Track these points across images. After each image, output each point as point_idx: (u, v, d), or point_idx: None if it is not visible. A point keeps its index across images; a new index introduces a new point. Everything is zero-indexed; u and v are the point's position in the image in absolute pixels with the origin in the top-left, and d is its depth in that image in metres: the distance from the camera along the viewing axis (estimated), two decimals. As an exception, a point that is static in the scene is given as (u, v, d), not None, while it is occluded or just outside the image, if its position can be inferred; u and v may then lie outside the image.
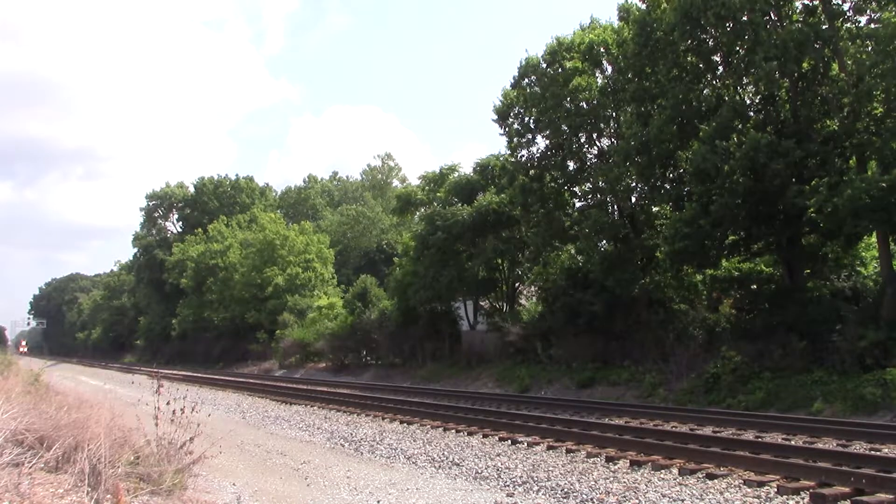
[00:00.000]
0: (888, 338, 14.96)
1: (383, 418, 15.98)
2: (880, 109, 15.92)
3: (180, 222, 74.34)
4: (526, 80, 24.69)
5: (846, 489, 7.59)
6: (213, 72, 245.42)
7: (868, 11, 16.52)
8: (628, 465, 9.69)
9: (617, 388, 20.07)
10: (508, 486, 8.92)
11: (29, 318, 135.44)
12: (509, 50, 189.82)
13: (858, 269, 19.05)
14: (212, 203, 69.63)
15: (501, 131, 25.54)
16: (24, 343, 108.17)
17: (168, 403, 8.13)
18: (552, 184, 24.36)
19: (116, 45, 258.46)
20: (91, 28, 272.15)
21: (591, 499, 8.06)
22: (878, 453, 9.74)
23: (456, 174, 34.16)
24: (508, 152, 26.61)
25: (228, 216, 64.47)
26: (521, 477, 9.26)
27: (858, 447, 10.50)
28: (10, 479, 5.50)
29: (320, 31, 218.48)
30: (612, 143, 23.27)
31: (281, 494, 8.68)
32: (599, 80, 23.21)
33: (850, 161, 16.72)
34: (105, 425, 7.54)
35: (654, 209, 22.92)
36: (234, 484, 9.13)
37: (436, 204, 32.02)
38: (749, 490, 8.01)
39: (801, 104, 17.20)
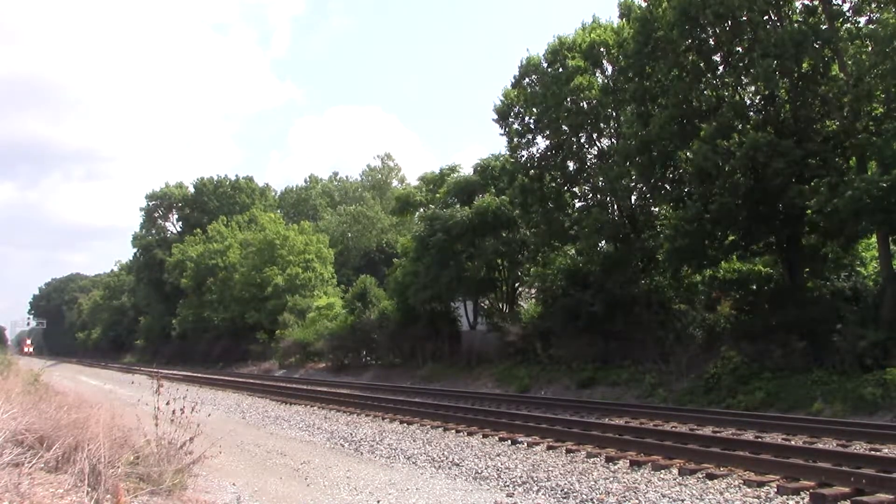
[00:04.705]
0: (888, 338, 14.96)
1: (383, 418, 15.97)
2: (880, 109, 15.92)
3: (180, 222, 74.35)
4: (527, 79, 24.71)
5: (846, 489, 7.59)
6: (218, 74, 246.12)
7: (867, 12, 16.52)
8: (628, 465, 9.68)
9: (617, 388, 20.06)
10: (508, 486, 8.91)
11: (29, 318, 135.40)
12: (509, 51, 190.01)
13: (858, 269, 19.03)
14: (211, 203, 69.64)
15: (502, 131, 25.58)
16: (28, 342, 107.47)
17: (168, 403, 8.12)
18: (552, 184, 24.37)
19: (123, 48, 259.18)
20: (97, 31, 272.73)
21: (591, 499, 8.05)
22: (878, 453, 9.74)
23: (456, 175, 34.21)
24: (509, 152, 26.61)
25: (228, 216, 64.45)
26: (520, 477, 9.26)
27: (858, 447, 10.49)
28: (10, 479, 5.50)
29: (324, 33, 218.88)
30: (613, 142, 23.28)
31: (281, 494, 8.68)
32: (600, 80, 23.21)
33: (850, 161, 16.72)
34: (105, 425, 7.54)
35: (654, 209, 22.91)
36: (234, 484, 9.12)
37: (432, 206, 32.04)
38: (749, 490, 8.00)
39: (801, 104, 17.20)
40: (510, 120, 25.25)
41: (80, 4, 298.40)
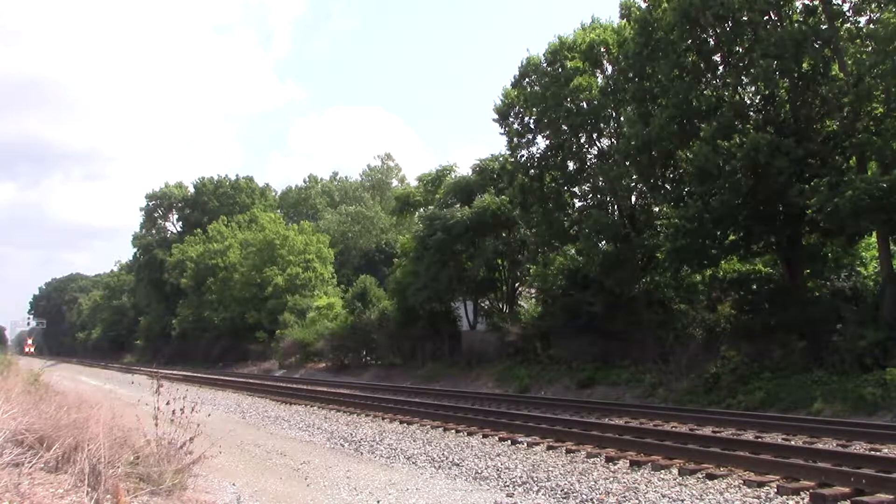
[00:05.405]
0: (888, 338, 14.96)
1: (383, 418, 15.97)
2: (880, 109, 15.92)
3: (180, 222, 74.37)
4: (527, 79, 24.72)
5: (846, 489, 7.58)
6: (220, 75, 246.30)
7: (867, 12, 16.52)
8: (628, 465, 9.68)
9: (617, 388, 20.06)
10: (508, 486, 8.91)
11: (29, 318, 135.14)
12: (509, 51, 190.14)
13: (858, 269, 19.04)
14: (212, 203, 69.63)
15: (502, 131, 25.59)
16: (29, 342, 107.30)
17: (168, 403, 8.12)
18: (552, 184, 24.36)
19: (124, 48, 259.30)
20: (98, 31, 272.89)
21: (591, 499, 8.05)
22: (878, 453, 9.73)
23: (453, 175, 34.24)
24: (509, 152, 26.62)
25: (228, 216, 64.45)
26: (520, 477, 9.25)
27: (858, 447, 10.49)
28: (10, 479, 5.50)
29: (325, 34, 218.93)
30: (613, 143, 23.27)
31: (281, 494, 8.68)
32: (600, 80, 23.22)
33: (851, 161, 16.73)
34: (105, 425, 7.53)
35: (655, 209, 22.92)
36: (234, 484, 9.12)
37: (431, 206, 32.06)
38: (749, 490, 8.00)
39: (801, 104, 17.20)
40: (510, 120, 25.26)
41: (80, 5, 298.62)
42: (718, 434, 11.87)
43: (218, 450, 9.25)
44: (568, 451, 10.87)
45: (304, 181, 77.85)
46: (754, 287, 19.54)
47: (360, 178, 73.89)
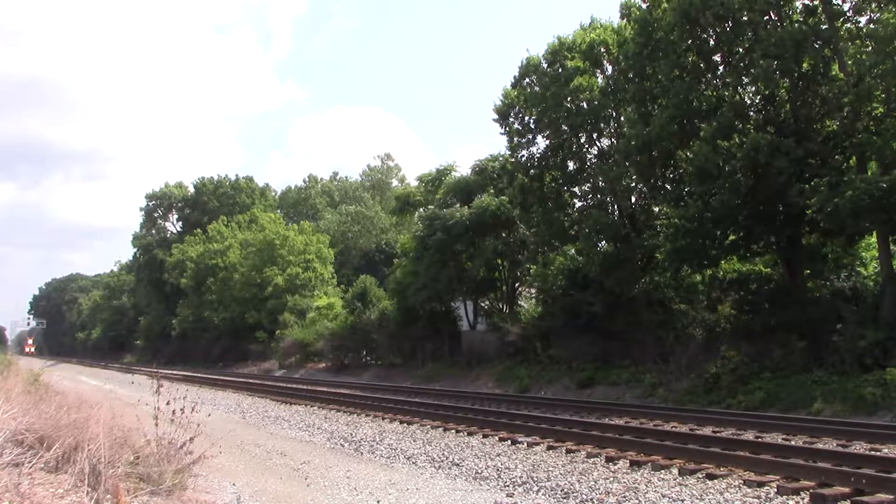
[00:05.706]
0: (888, 338, 14.96)
1: (383, 418, 15.97)
2: (880, 109, 15.92)
3: (180, 222, 74.37)
4: (527, 79, 24.74)
5: (846, 489, 7.58)
6: (220, 75, 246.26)
7: (868, 12, 16.52)
8: (628, 465, 9.68)
9: (617, 388, 20.07)
10: (508, 486, 8.91)
11: (29, 318, 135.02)
12: (509, 51, 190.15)
13: (858, 269, 19.05)
14: (211, 203, 69.63)
15: (502, 131, 25.62)
16: (30, 342, 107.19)
17: (168, 403, 8.12)
18: (552, 184, 24.37)
19: (124, 48, 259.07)
20: (98, 31, 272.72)
21: (591, 499, 8.05)
22: (878, 453, 9.73)
23: (453, 174, 34.25)
24: (509, 152, 26.64)
25: (228, 216, 64.45)
26: (521, 477, 9.26)
27: (858, 447, 10.49)
28: (10, 479, 5.50)
29: (325, 34, 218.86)
30: (613, 143, 23.28)
31: (281, 494, 8.68)
32: (600, 80, 23.22)
33: (851, 161, 16.73)
34: (105, 425, 7.53)
35: (655, 209, 22.92)
36: (234, 484, 9.12)
37: (431, 206, 32.08)
38: (749, 490, 8.00)
39: (801, 104, 17.20)
40: (510, 120, 25.28)
41: (80, 5, 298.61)
42: (718, 434, 11.87)
43: (218, 450, 9.25)
44: (568, 451, 10.87)
45: (304, 181, 77.92)
46: (754, 287, 19.53)
47: (360, 178, 73.93)
